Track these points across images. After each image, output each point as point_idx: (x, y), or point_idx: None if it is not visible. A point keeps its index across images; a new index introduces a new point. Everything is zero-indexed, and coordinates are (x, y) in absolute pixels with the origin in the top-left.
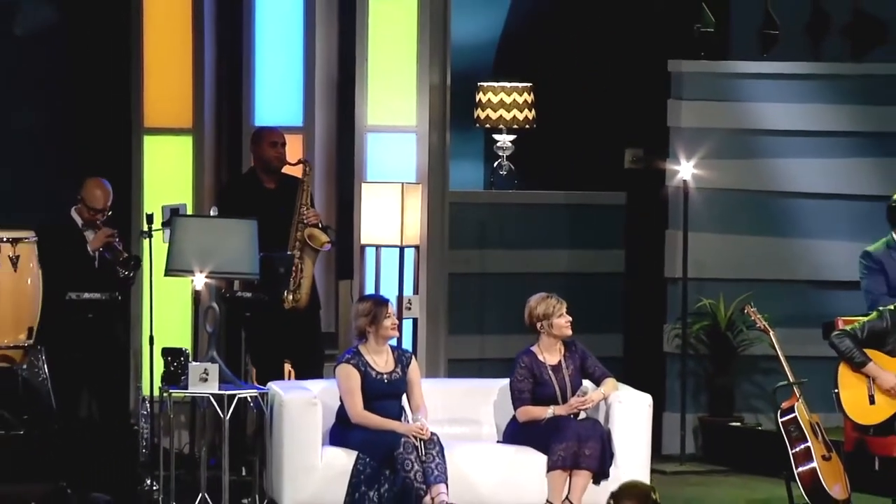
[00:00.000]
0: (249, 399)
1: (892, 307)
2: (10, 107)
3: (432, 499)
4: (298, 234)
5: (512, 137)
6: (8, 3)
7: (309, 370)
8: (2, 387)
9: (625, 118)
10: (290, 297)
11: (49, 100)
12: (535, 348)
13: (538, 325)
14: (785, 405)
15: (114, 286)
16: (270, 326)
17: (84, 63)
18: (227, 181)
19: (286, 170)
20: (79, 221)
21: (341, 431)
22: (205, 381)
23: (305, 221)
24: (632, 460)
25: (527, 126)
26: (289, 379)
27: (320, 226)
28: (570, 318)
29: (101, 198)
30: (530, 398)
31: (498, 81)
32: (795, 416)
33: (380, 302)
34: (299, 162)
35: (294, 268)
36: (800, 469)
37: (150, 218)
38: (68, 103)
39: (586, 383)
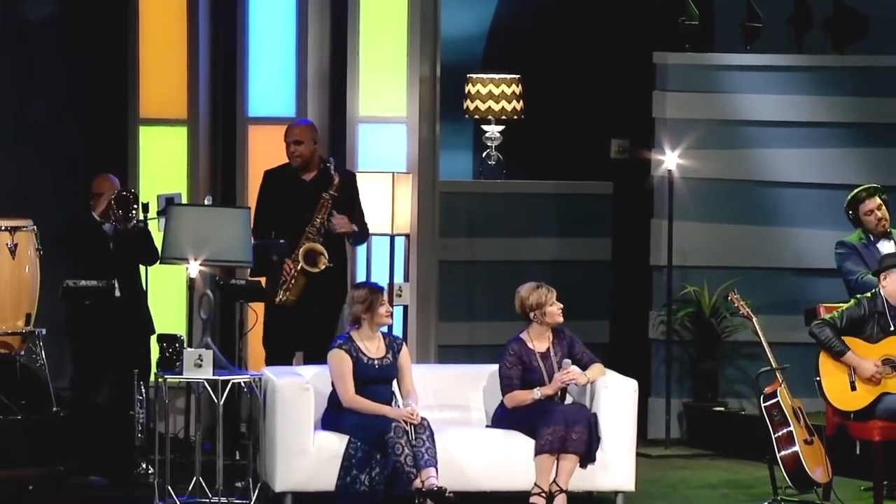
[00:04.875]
0: (243, 384)
1: (868, 294)
2: (6, 99)
3: (422, 482)
4: (303, 246)
5: (500, 128)
6: None
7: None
8: (0, 373)
9: (611, 109)
10: (281, 295)
11: (45, 91)
12: (524, 335)
13: (531, 314)
14: (768, 390)
15: (126, 269)
16: (289, 316)
17: (80, 55)
18: (266, 171)
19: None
20: (97, 218)
21: (333, 416)
22: (199, 367)
23: (315, 232)
24: (618, 444)
25: (515, 117)
26: None
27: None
28: (562, 306)
29: (103, 183)
30: (519, 385)
31: (487, 73)
32: (778, 401)
33: (375, 289)
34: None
35: (288, 268)
36: (782, 453)
37: (145, 207)
38: (64, 95)
39: (570, 360)
